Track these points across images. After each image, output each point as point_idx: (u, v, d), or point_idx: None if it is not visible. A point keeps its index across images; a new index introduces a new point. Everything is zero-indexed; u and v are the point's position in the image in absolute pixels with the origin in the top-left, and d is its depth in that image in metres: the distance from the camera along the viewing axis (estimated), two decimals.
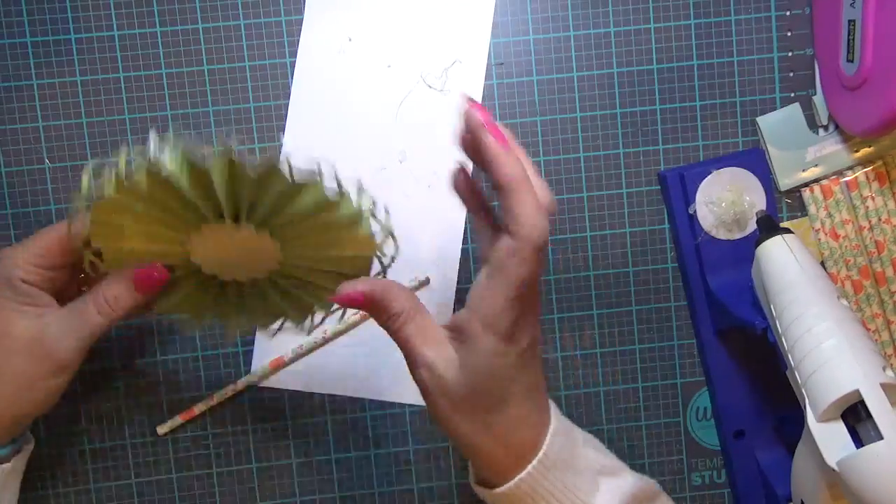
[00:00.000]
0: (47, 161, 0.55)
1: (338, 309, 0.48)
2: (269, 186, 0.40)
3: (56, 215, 0.55)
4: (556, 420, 0.44)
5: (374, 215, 0.43)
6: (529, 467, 0.42)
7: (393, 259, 0.45)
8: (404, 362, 0.58)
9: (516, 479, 0.42)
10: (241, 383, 0.56)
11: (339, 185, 0.41)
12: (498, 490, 0.42)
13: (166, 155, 0.40)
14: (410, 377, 0.59)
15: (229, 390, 0.56)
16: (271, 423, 0.57)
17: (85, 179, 0.41)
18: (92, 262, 0.44)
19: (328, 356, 0.56)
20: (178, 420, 0.56)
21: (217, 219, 0.42)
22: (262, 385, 0.57)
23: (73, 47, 0.55)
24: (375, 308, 0.42)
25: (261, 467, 0.57)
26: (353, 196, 0.42)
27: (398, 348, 0.43)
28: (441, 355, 0.41)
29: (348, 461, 0.58)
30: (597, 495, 0.43)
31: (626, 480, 0.46)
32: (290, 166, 0.39)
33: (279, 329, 0.49)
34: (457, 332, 0.42)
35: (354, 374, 0.57)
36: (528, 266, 0.38)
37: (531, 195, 0.38)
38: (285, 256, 0.44)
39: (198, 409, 0.56)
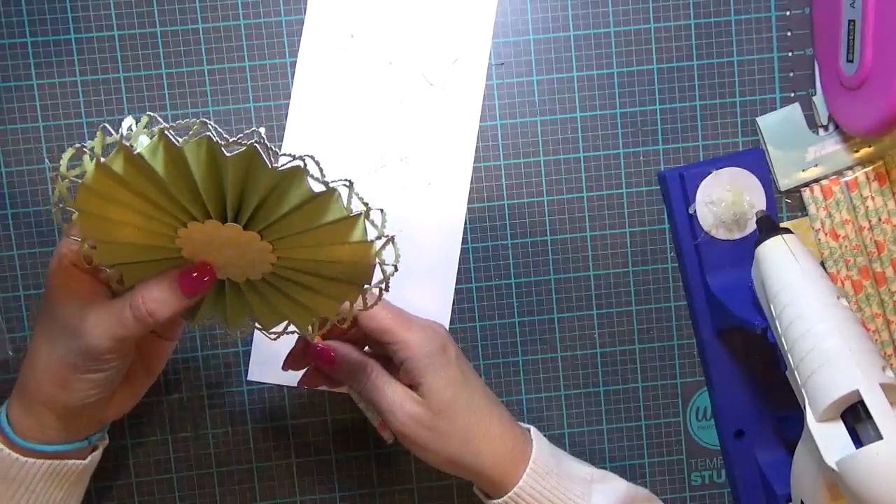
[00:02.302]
0: (47, 161, 0.55)
1: (340, 317, 0.46)
2: (252, 177, 0.38)
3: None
4: (537, 435, 0.50)
5: (368, 218, 0.41)
6: (524, 475, 0.47)
7: (396, 268, 0.43)
8: None
9: (515, 488, 0.47)
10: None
11: (326, 184, 0.39)
12: (498, 500, 0.47)
13: (142, 138, 0.38)
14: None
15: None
16: (271, 423, 0.57)
17: (64, 161, 0.40)
18: (86, 255, 0.43)
19: None
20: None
21: (203, 216, 0.40)
22: (262, 383, 0.57)
23: (73, 47, 0.55)
24: (348, 366, 0.48)
25: (261, 467, 0.58)
26: (344, 197, 0.40)
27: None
28: (407, 398, 0.47)
29: (348, 461, 0.58)
30: (592, 499, 0.47)
31: (619, 485, 0.50)
32: (269, 154, 0.37)
33: (283, 332, 0.47)
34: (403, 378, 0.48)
35: None
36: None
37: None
38: (279, 258, 0.42)
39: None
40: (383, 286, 0.44)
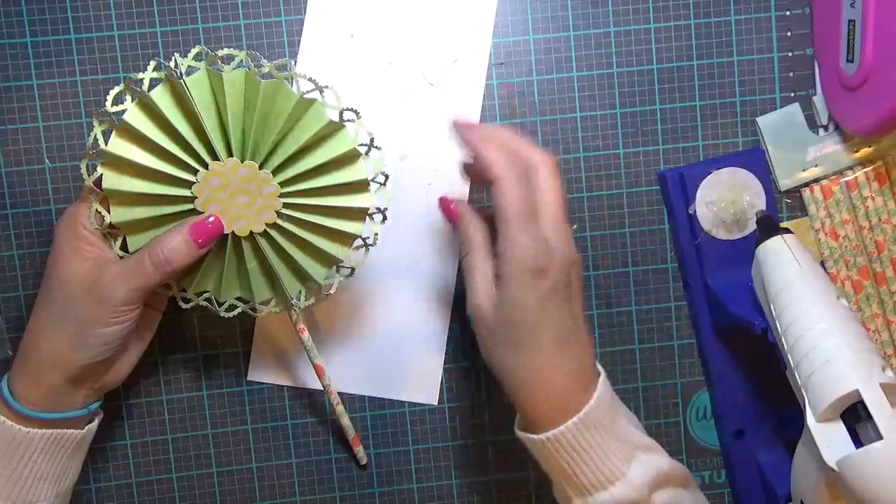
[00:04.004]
0: (47, 161, 0.55)
1: (329, 282, 0.50)
2: (278, 105, 0.44)
3: (56, 215, 0.55)
4: (603, 387, 0.47)
5: (367, 154, 0.48)
6: (570, 423, 0.45)
7: (384, 216, 0.49)
8: (405, 361, 0.58)
9: (556, 430, 0.45)
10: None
11: (342, 111, 0.46)
12: (535, 437, 0.46)
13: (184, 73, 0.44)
14: (410, 376, 0.59)
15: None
16: (271, 423, 0.57)
17: (111, 96, 0.44)
18: (98, 211, 0.46)
19: (329, 355, 0.56)
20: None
21: (226, 154, 0.46)
22: (262, 383, 0.57)
23: (73, 47, 0.55)
24: (463, 230, 0.49)
25: (261, 467, 0.58)
26: (351, 130, 0.47)
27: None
28: (485, 290, 0.46)
29: (348, 461, 0.58)
30: (631, 465, 0.46)
31: (662, 459, 0.48)
32: (296, 82, 0.45)
33: (268, 309, 0.50)
34: (497, 276, 0.47)
35: (355, 373, 0.57)
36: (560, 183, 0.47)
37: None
38: (284, 203, 0.47)
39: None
40: (370, 241, 0.50)
